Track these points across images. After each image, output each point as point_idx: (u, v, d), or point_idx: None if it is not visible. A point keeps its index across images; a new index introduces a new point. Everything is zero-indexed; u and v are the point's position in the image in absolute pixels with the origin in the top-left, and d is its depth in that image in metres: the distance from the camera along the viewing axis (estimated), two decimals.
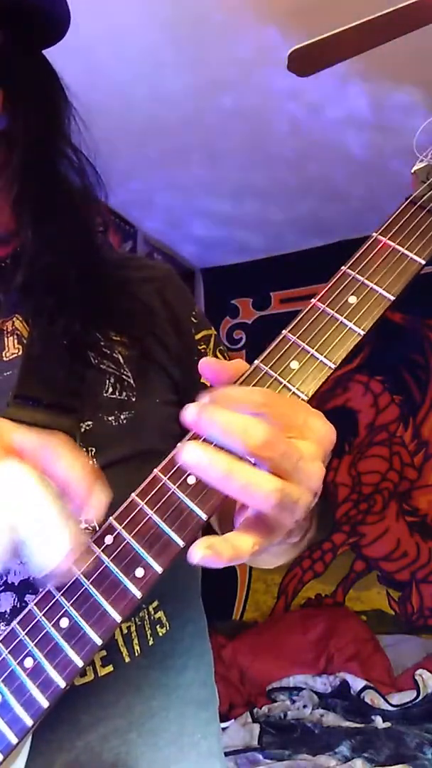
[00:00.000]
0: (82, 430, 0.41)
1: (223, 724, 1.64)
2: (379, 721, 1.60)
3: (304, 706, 1.72)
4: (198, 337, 0.52)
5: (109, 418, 0.42)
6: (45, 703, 0.30)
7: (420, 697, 1.72)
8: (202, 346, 0.52)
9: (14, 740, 0.30)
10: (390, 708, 1.70)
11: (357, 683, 1.79)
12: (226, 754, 1.46)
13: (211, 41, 1.36)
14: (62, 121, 0.48)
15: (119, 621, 0.30)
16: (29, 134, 0.45)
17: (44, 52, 0.49)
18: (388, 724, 1.58)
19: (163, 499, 0.30)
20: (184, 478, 0.30)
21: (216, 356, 0.53)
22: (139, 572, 0.30)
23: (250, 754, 1.48)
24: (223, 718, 1.69)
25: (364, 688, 1.77)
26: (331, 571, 2.26)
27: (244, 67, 1.45)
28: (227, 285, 2.52)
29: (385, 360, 2.25)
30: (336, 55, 0.40)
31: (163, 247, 2.36)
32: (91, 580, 0.30)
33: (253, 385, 0.31)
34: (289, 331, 0.32)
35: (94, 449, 0.41)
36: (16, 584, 0.38)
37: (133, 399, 0.44)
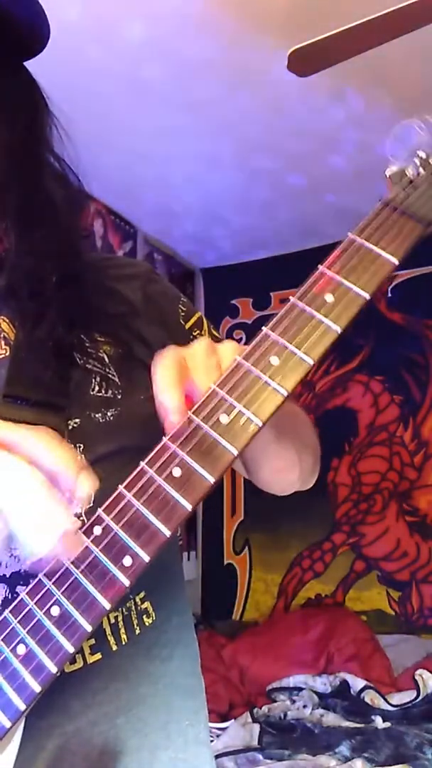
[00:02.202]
0: (70, 427, 0.42)
1: (223, 724, 1.65)
2: (379, 721, 1.60)
3: (304, 706, 1.72)
4: (189, 325, 0.53)
5: (96, 416, 0.43)
6: (37, 688, 0.31)
7: (420, 697, 1.72)
8: (196, 332, 0.54)
9: (8, 724, 0.31)
10: (390, 708, 1.70)
11: (357, 683, 1.79)
12: (226, 754, 1.47)
13: (206, 52, 1.38)
14: (44, 129, 0.50)
15: (108, 608, 0.31)
16: (11, 142, 0.46)
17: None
18: (388, 724, 1.58)
19: (150, 491, 0.31)
20: (169, 470, 0.31)
21: (212, 335, 0.55)
22: (127, 561, 0.31)
23: (250, 754, 1.48)
24: (223, 718, 1.69)
25: (364, 688, 1.77)
26: (331, 571, 2.26)
27: (244, 75, 1.47)
28: (227, 285, 2.53)
29: (385, 360, 2.26)
30: (336, 55, 0.40)
31: (163, 247, 2.38)
32: (80, 569, 0.31)
33: (235, 381, 0.32)
34: (269, 329, 0.33)
35: (82, 446, 0.42)
36: (7, 576, 0.39)
37: (119, 396, 0.45)
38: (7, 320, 0.45)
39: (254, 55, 1.40)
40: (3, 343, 0.44)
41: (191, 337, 0.53)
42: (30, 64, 0.50)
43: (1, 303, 0.46)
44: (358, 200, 1.98)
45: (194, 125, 1.67)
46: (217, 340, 0.55)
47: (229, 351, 0.35)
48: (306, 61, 0.41)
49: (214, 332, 0.56)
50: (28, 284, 0.45)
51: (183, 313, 0.54)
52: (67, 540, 0.30)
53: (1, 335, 0.45)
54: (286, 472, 0.47)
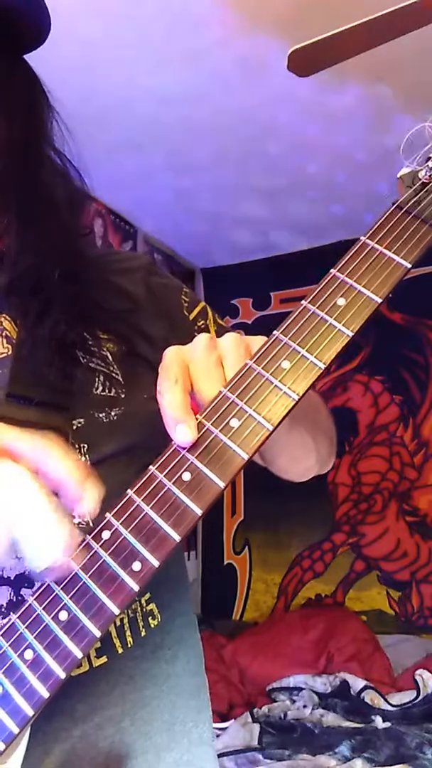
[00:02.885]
0: (74, 427, 0.41)
1: (223, 724, 1.65)
2: (379, 721, 1.60)
3: (304, 706, 1.72)
4: (193, 316, 0.53)
5: (100, 415, 0.43)
6: (45, 694, 0.31)
7: (420, 697, 1.72)
8: (201, 322, 0.53)
9: (15, 730, 0.31)
10: (390, 708, 1.70)
11: (357, 683, 1.79)
12: (226, 754, 1.47)
13: (206, 47, 1.38)
14: (45, 125, 0.49)
15: (117, 613, 0.30)
16: (12, 138, 0.45)
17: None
18: (388, 724, 1.58)
19: (159, 495, 0.31)
20: (179, 474, 0.31)
21: (217, 324, 0.54)
22: (136, 566, 0.30)
23: (250, 754, 1.48)
24: (223, 718, 1.69)
25: (364, 688, 1.77)
26: (331, 571, 2.26)
27: (241, 71, 1.46)
28: (227, 285, 2.53)
29: (385, 360, 2.26)
30: (336, 55, 0.40)
31: (163, 247, 2.37)
32: (89, 574, 0.31)
33: (246, 385, 0.32)
34: (280, 332, 0.33)
35: (86, 446, 0.42)
36: (12, 578, 0.39)
37: (123, 395, 0.45)
38: (9, 318, 0.45)
39: (255, 51, 1.40)
40: (5, 341, 0.44)
41: (195, 327, 0.52)
42: (29, 57, 0.50)
43: (3, 301, 0.45)
44: (358, 201, 1.99)
45: (193, 121, 1.67)
46: (222, 329, 0.54)
47: (231, 344, 0.34)
48: (306, 62, 0.40)
49: (220, 321, 0.55)
50: (30, 281, 0.44)
51: (186, 304, 0.53)
52: (70, 551, 0.30)
53: (3, 333, 0.44)
54: (303, 459, 0.47)
